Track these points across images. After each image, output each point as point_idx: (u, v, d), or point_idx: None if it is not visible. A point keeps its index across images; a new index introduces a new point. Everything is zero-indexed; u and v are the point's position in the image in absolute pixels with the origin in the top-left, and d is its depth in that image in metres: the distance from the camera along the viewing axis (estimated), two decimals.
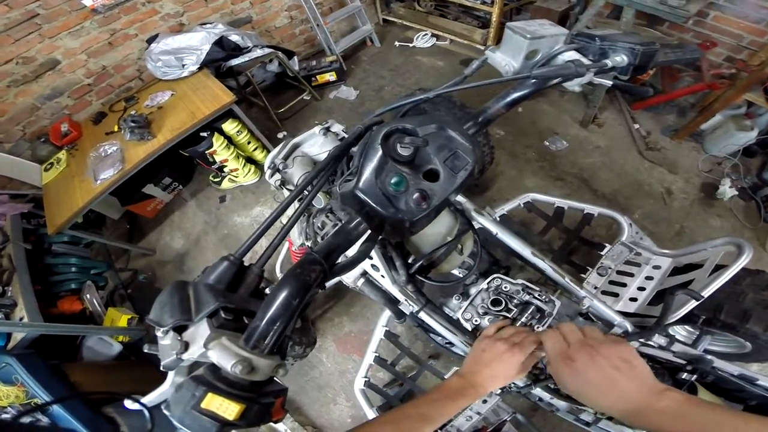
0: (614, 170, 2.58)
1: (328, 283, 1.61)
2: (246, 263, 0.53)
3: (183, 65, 2.57)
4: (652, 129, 2.75)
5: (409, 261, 1.02)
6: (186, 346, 0.42)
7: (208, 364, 0.41)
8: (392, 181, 0.53)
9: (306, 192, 0.61)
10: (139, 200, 2.73)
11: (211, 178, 2.95)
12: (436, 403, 0.64)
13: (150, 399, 0.61)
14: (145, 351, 0.49)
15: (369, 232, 0.60)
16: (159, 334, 0.45)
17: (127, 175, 2.20)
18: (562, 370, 0.56)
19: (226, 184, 2.88)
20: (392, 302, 1.04)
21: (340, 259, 0.57)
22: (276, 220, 0.53)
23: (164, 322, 0.44)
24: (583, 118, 2.78)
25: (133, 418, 1.65)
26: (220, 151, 2.47)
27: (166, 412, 0.39)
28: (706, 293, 1.09)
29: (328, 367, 2.14)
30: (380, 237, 0.86)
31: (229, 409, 0.37)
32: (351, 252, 0.58)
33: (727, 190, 2.34)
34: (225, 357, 0.39)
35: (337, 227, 0.57)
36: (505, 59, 0.76)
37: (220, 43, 2.64)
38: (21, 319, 1.83)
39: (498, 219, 1.55)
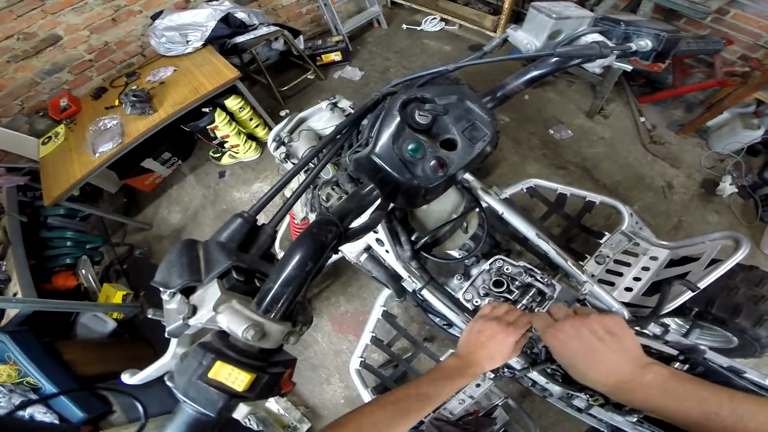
0: (617, 162, 2.58)
1: (328, 262, 1.61)
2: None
3: (187, 41, 2.54)
4: (658, 123, 2.74)
5: (414, 238, 1.02)
6: (194, 309, 0.39)
7: (216, 331, 0.38)
8: (410, 147, 0.52)
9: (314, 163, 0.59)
10: (138, 174, 2.71)
11: (211, 153, 2.93)
12: (436, 383, 0.65)
13: (147, 374, 0.57)
14: (149, 317, 0.44)
15: (379, 201, 0.60)
16: (165, 297, 0.41)
17: (126, 148, 2.19)
18: (552, 343, 0.57)
19: (226, 159, 2.87)
20: (395, 279, 1.05)
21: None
22: (295, 175, 0.52)
23: (172, 284, 0.41)
24: (589, 109, 2.76)
25: (125, 398, 1.63)
26: (221, 126, 2.45)
27: (169, 383, 0.37)
28: (702, 285, 1.10)
29: (322, 346, 2.16)
30: (390, 207, 0.86)
31: (238, 379, 0.34)
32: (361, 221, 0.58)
33: (727, 187, 2.36)
34: (236, 321, 0.36)
35: (349, 193, 0.56)
36: (527, 38, 0.75)
37: (226, 20, 2.60)
38: (15, 294, 1.79)
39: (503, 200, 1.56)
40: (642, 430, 0.99)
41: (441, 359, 1.76)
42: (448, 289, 1.17)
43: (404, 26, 3.81)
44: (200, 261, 0.43)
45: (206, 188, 2.87)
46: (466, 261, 1.17)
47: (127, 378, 0.59)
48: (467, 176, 0.99)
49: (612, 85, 2.53)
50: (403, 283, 1.04)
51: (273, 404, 2.05)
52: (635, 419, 0.97)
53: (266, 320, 0.37)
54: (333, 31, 3.54)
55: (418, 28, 3.76)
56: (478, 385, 1.27)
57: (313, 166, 0.97)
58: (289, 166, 1.21)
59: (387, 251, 0.96)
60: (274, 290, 0.39)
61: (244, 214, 0.47)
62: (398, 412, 0.59)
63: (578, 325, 0.55)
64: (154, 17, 2.61)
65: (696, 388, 0.46)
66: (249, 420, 1.99)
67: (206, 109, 2.37)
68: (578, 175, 2.54)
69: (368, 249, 1.03)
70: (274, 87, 3.02)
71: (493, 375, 1.24)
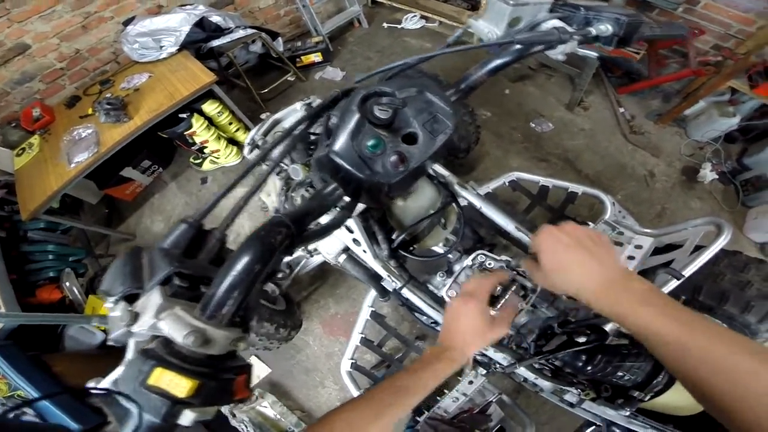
0: (598, 152, 2.61)
1: (312, 263, 1.59)
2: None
3: (161, 47, 2.49)
4: (636, 113, 2.78)
5: (393, 237, 1.00)
6: (136, 316, 0.39)
7: (160, 338, 0.38)
8: (369, 143, 0.51)
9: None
10: (117, 183, 2.66)
11: (191, 159, 2.89)
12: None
13: (109, 381, 0.57)
14: (94, 325, 0.45)
15: (346, 200, 0.59)
16: (108, 305, 0.41)
17: (102, 157, 2.14)
18: (541, 244, 0.58)
19: (207, 165, 2.83)
20: (375, 279, 1.03)
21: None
22: (242, 179, 0.50)
23: (114, 291, 0.40)
24: (569, 101, 2.79)
25: (119, 407, 1.62)
26: (200, 132, 2.42)
27: (114, 389, 0.37)
28: (687, 273, 1.09)
29: (314, 350, 2.14)
30: (358, 206, 0.84)
31: (179, 385, 0.34)
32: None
33: (707, 173, 2.40)
34: (176, 328, 0.36)
35: (311, 193, 0.55)
36: (488, 27, 0.74)
37: (201, 24, 2.56)
38: None
39: (482, 194, 1.55)
40: (635, 423, 0.98)
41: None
42: (431, 287, 1.16)
43: (385, 25, 3.80)
44: (144, 268, 0.42)
45: (188, 195, 2.83)
46: (450, 258, 1.16)
47: (92, 386, 0.59)
48: (443, 171, 0.98)
49: (590, 77, 2.56)
50: (383, 283, 1.03)
51: (269, 409, 2.03)
52: (628, 413, 0.97)
53: (209, 326, 0.37)
54: (312, 32, 3.52)
55: (399, 27, 3.75)
56: (471, 382, 1.26)
57: (285, 167, 0.95)
58: (265, 168, 1.19)
59: (364, 251, 0.95)
60: (217, 296, 0.38)
61: (189, 220, 0.46)
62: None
63: (568, 229, 0.56)
64: (126, 23, 2.56)
65: (675, 305, 0.46)
66: (245, 426, 1.97)
67: (183, 115, 2.33)
68: (560, 167, 2.56)
69: (347, 250, 1.01)
70: (254, 90, 2.99)
71: (485, 371, 1.24)
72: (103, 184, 2.61)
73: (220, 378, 0.37)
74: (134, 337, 0.39)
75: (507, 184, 1.57)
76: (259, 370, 2.15)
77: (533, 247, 0.60)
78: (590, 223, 1.47)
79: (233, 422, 2.02)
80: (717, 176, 2.41)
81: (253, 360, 2.16)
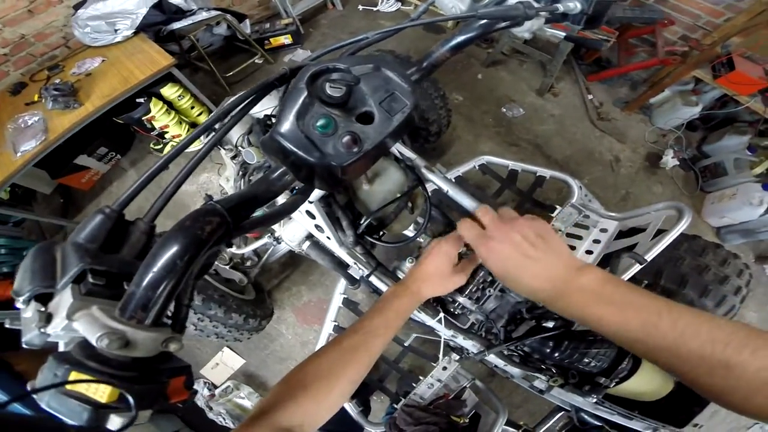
0: (567, 138, 2.66)
1: (281, 250, 1.53)
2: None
3: (116, 30, 2.34)
4: (604, 100, 2.84)
5: (360, 222, 0.98)
6: (49, 317, 0.35)
7: (80, 340, 0.35)
8: (318, 123, 0.47)
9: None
10: (72, 172, 2.51)
11: (152, 145, 2.76)
12: (378, 315, 0.63)
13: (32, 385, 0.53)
14: (6, 327, 0.39)
15: (299, 184, 0.55)
16: (19, 305, 0.37)
17: (51, 145, 2.00)
18: (485, 255, 0.55)
19: (168, 151, 2.68)
20: (342, 266, 1.01)
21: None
22: (165, 166, 0.45)
23: (22, 291, 0.36)
24: (540, 87, 2.82)
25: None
26: (159, 116, 2.31)
27: (34, 396, 0.33)
28: (649, 257, 1.10)
29: (288, 339, 2.12)
30: (317, 191, 0.81)
31: (99, 390, 0.31)
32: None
33: (669, 160, 2.50)
34: (90, 329, 0.33)
35: (259, 177, 0.51)
36: (452, 2, 0.71)
37: (160, 6, 2.40)
38: None
39: (451, 178, 1.54)
40: (602, 409, 1.00)
41: (406, 343, 1.77)
42: (401, 273, 1.15)
43: (360, 7, 3.69)
44: (57, 264, 0.37)
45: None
46: (421, 242, 1.15)
47: (30, 387, 0.55)
48: (409, 154, 0.95)
49: (561, 64, 2.58)
50: (350, 271, 1.00)
51: (246, 401, 2.02)
52: (594, 400, 0.98)
53: (130, 327, 0.33)
54: (282, 14, 3.39)
55: (375, 9, 3.65)
56: (444, 368, 1.27)
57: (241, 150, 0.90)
58: (222, 152, 1.13)
59: (328, 237, 0.92)
60: (137, 295, 0.35)
61: (106, 210, 0.41)
62: (345, 353, 0.57)
63: (508, 230, 0.52)
64: (77, 6, 2.38)
65: (633, 294, 0.44)
66: (223, 418, 1.95)
67: (141, 100, 2.20)
68: (530, 151, 2.60)
69: (311, 236, 0.98)
70: (218, 73, 2.86)
71: (458, 357, 1.24)
72: (56, 173, 2.46)
73: (149, 381, 0.35)
74: (61, 339, 0.35)
75: (477, 167, 1.57)
76: (233, 362, 2.11)
77: (475, 249, 0.57)
78: (558, 206, 1.49)
79: (210, 415, 1.98)
80: (678, 162, 2.52)
81: (226, 351, 2.13)
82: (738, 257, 1.33)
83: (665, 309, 0.41)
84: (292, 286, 2.22)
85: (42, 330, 0.35)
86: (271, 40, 3.22)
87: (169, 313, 0.39)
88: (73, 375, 0.31)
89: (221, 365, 2.12)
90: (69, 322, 0.33)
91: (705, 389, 0.39)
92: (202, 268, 0.43)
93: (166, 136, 2.54)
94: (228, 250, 1.61)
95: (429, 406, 1.22)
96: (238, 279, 1.69)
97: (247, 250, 1.57)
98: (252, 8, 3.54)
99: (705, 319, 0.39)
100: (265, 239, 1.42)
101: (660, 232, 1.20)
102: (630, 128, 2.71)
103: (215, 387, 2.08)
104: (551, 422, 1.22)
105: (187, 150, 0.48)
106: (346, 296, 1.36)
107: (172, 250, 0.35)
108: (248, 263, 1.72)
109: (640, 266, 1.10)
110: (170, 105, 2.41)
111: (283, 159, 0.50)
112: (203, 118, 2.66)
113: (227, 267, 1.66)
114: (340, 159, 0.48)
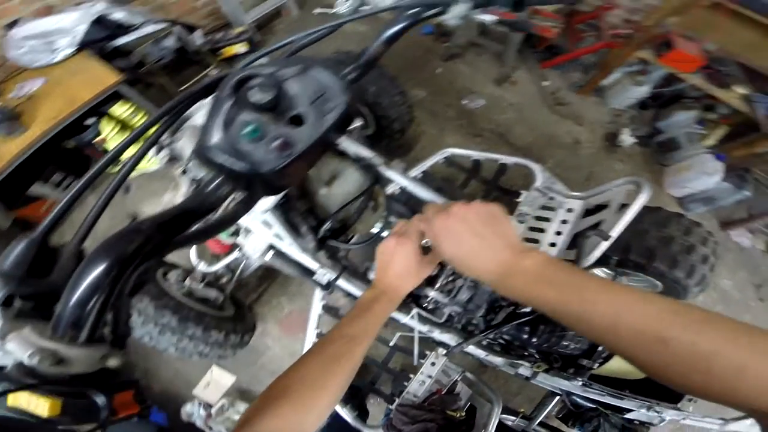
0: (528, 125, 2.73)
1: (254, 264, 1.48)
2: None
3: (54, 49, 2.21)
4: (560, 86, 2.93)
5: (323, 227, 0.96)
6: None
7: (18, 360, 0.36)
8: (245, 131, 0.47)
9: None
10: (29, 202, 2.38)
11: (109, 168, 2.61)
12: (358, 321, 0.62)
13: None
14: None
15: (241, 193, 0.54)
16: None
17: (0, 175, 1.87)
18: (437, 239, 0.55)
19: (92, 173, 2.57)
20: (308, 273, 0.99)
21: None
22: (87, 187, 0.45)
23: None
24: (498, 77, 2.88)
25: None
26: (111, 137, 2.20)
27: None
28: (615, 233, 1.11)
29: (276, 351, 2.09)
30: (269, 199, 0.79)
31: (39, 405, 0.34)
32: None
33: (626, 138, 2.61)
34: (22, 349, 0.34)
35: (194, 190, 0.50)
36: None
37: (101, 22, 2.30)
38: None
39: (418, 173, 1.55)
40: (591, 391, 1.01)
41: (391, 343, 1.75)
42: (373, 273, 1.14)
43: (317, 10, 3.65)
44: None
45: (111, 206, 2.54)
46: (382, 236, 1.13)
47: None
48: (365, 153, 0.94)
49: (514, 53, 2.65)
50: (315, 278, 0.99)
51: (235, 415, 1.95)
52: (581, 382, 1.00)
53: (62, 345, 0.35)
54: (235, 23, 3.31)
55: (332, 11, 3.61)
56: (433, 364, 1.27)
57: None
58: (177, 169, 1.09)
59: (290, 245, 0.90)
60: (66, 314, 0.36)
61: (29, 235, 0.43)
62: (328, 362, 0.56)
63: (462, 212, 0.52)
64: (10, 26, 2.24)
65: (573, 276, 0.44)
66: (210, 428, 1.90)
67: (89, 121, 2.10)
68: (494, 140, 2.65)
69: (272, 246, 0.96)
70: (172, 87, 2.76)
71: (444, 351, 1.24)
72: (12, 205, 2.32)
73: (89, 396, 0.36)
74: (3, 361, 0.37)
75: (443, 161, 1.59)
76: (224, 379, 2.06)
77: (429, 238, 0.58)
78: (523, 191, 1.52)
79: None
80: (636, 140, 2.63)
81: (215, 370, 2.08)
82: (700, 225, 1.37)
83: (603, 288, 0.42)
84: (272, 299, 2.18)
85: None
86: (224, 50, 3.15)
87: None
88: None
89: (213, 384, 2.07)
90: (1, 343, 0.35)
91: (646, 366, 0.39)
92: (136, 286, 0.44)
93: (122, 157, 2.41)
94: (198, 268, 1.57)
95: (423, 403, 1.21)
96: (214, 297, 1.65)
97: (218, 266, 1.52)
98: (202, 18, 3.44)
99: (640, 296, 0.40)
100: (236, 254, 1.38)
101: (624, 207, 1.23)
102: (586, 110, 2.80)
103: (210, 406, 2.03)
104: (549, 407, 1.23)
105: (148, 171, 0.49)
106: (325, 302, 1.34)
107: (98, 269, 0.37)
108: (223, 279, 1.68)
109: (607, 243, 1.11)
110: (123, 124, 2.31)
111: (218, 170, 0.49)
112: None
113: (200, 286, 1.61)
114: (272, 164, 0.47)
